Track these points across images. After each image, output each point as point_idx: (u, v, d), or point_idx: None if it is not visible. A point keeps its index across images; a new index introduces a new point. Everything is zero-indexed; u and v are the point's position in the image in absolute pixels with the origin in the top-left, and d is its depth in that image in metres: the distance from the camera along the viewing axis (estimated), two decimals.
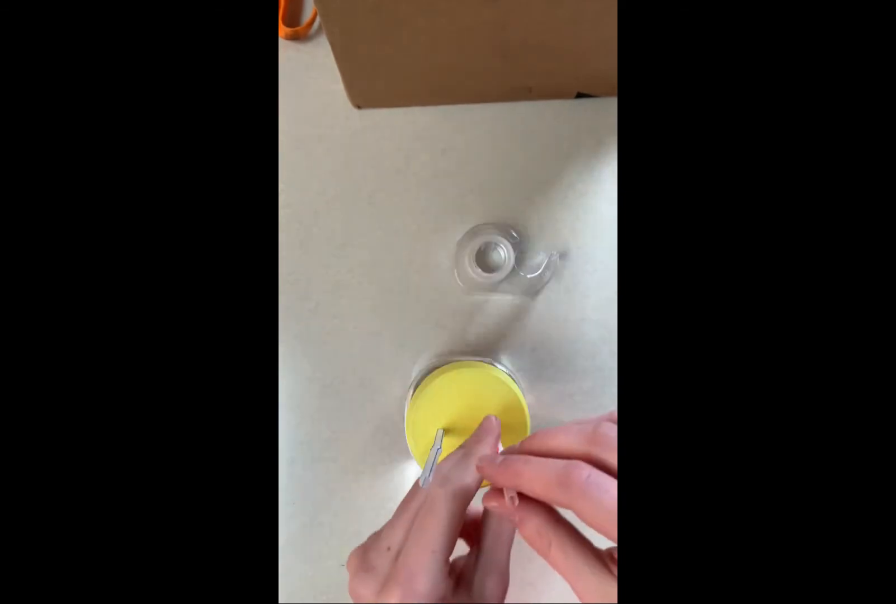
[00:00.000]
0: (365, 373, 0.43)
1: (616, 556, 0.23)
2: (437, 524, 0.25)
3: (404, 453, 0.44)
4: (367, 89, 0.40)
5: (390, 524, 0.27)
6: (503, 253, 0.41)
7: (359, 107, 0.42)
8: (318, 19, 0.42)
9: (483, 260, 0.42)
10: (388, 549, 0.26)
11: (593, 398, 0.44)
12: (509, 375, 0.39)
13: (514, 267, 0.41)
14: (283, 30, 0.41)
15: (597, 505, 0.21)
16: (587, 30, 0.33)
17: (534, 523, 0.23)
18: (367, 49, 0.34)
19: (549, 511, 0.23)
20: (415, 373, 0.43)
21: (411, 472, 0.45)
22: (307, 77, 0.42)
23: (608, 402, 0.44)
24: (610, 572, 0.22)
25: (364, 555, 0.26)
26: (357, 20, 0.30)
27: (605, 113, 0.43)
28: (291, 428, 0.43)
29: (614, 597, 0.21)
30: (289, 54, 0.42)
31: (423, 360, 0.44)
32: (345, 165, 0.43)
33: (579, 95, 0.42)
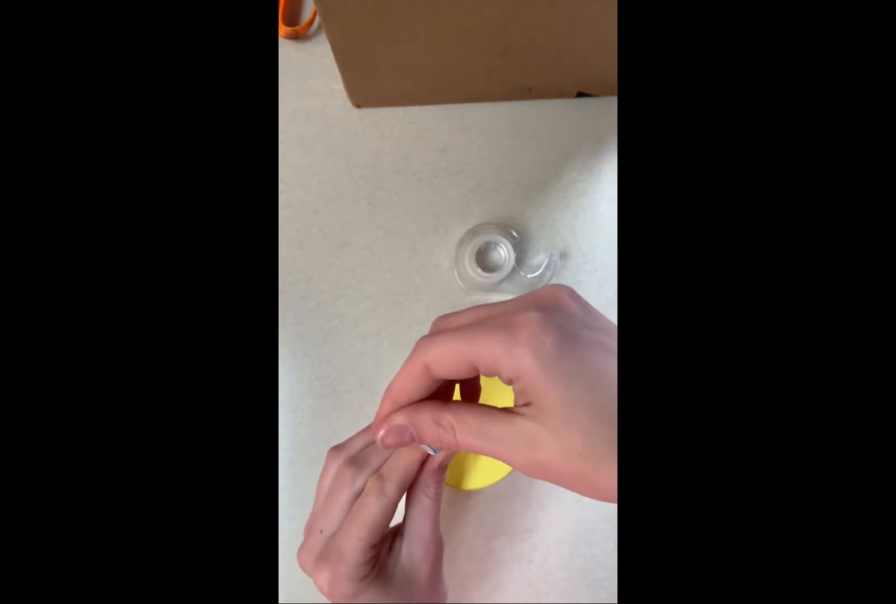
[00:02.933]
0: (365, 373, 0.43)
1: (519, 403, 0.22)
2: (367, 517, 0.27)
3: None
4: (367, 89, 0.40)
5: (322, 510, 0.29)
6: (503, 253, 0.41)
7: (359, 107, 0.42)
8: (318, 19, 0.42)
9: (483, 260, 0.42)
10: (321, 531, 0.28)
11: None
12: None
13: (514, 267, 0.40)
14: (283, 29, 0.41)
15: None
16: (587, 30, 0.33)
17: (422, 420, 0.23)
18: (367, 49, 0.34)
19: (432, 404, 0.23)
20: None
21: None
22: (307, 77, 0.42)
23: None
24: (529, 420, 0.21)
25: (306, 532, 0.30)
26: (357, 20, 0.30)
27: (605, 113, 0.43)
28: (291, 428, 0.43)
29: (548, 442, 0.21)
30: (289, 54, 0.42)
31: None
32: (345, 165, 0.43)
33: (579, 95, 0.42)
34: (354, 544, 0.27)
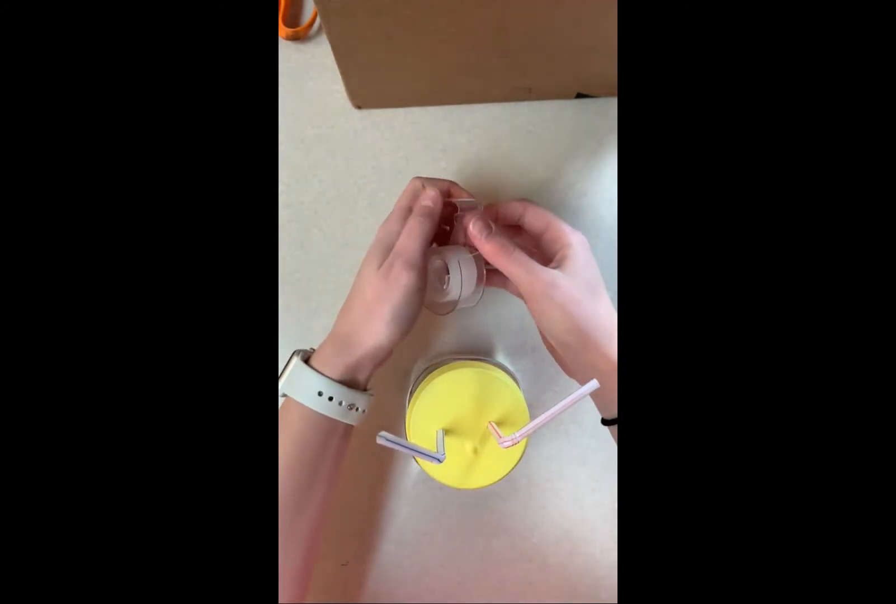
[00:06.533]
0: None
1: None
2: (417, 223, 0.33)
3: (404, 453, 0.44)
4: (367, 89, 0.40)
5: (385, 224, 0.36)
6: (457, 275, 0.35)
7: (359, 107, 0.42)
8: (318, 19, 0.42)
9: (440, 279, 0.37)
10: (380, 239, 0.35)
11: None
12: (509, 375, 0.40)
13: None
14: (283, 30, 0.41)
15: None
16: (587, 30, 0.33)
17: (498, 240, 0.33)
18: (367, 49, 0.34)
19: (504, 239, 0.34)
20: (415, 373, 0.43)
21: (411, 471, 0.45)
22: (307, 77, 0.42)
23: None
24: (545, 267, 0.33)
25: (371, 250, 0.35)
26: (357, 20, 0.30)
27: (605, 113, 0.43)
28: None
29: (556, 275, 0.32)
30: (289, 54, 0.42)
31: (423, 360, 0.44)
32: (345, 165, 0.43)
33: (579, 95, 0.42)
34: (415, 240, 0.33)
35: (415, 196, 0.35)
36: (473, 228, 0.33)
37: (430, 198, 0.34)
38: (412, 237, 0.33)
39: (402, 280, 0.32)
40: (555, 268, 0.33)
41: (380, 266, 0.33)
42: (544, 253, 0.36)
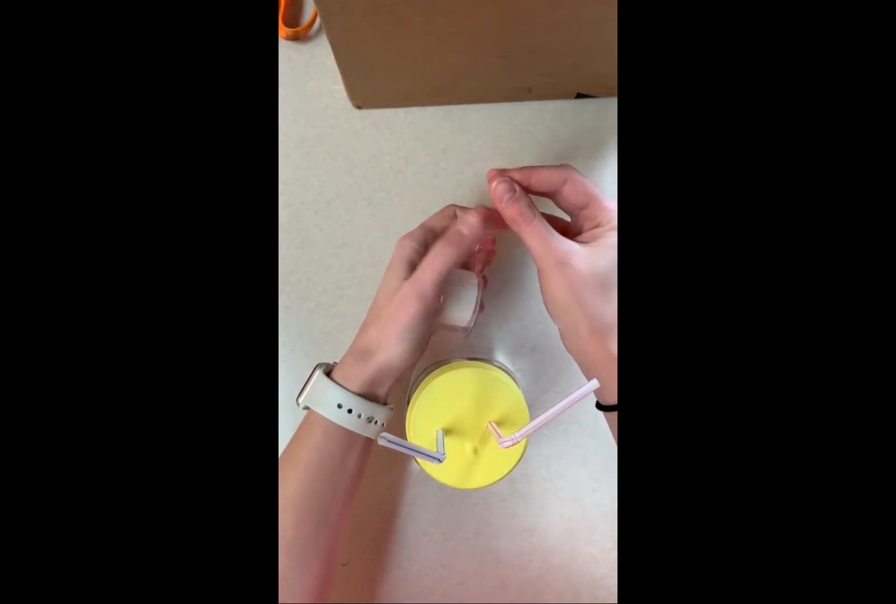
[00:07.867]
0: None
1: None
2: (442, 253, 0.33)
3: (404, 453, 0.44)
4: (367, 89, 0.40)
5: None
6: (450, 299, 0.36)
7: (359, 107, 0.42)
8: (318, 19, 0.42)
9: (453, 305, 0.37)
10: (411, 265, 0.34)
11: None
12: (509, 375, 0.39)
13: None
14: (283, 30, 0.41)
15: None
16: (587, 30, 0.33)
17: (518, 206, 0.32)
18: (367, 49, 0.34)
19: (529, 200, 0.33)
20: (415, 373, 0.43)
21: (412, 471, 0.45)
22: (307, 77, 0.42)
23: None
24: (568, 239, 0.32)
25: (390, 266, 0.34)
26: (357, 20, 0.30)
27: (605, 113, 0.43)
28: (292, 428, 0.43)
29: (572, 252, 0.31)
30: (289, 54, 0.42)
31: (423, 360, 0.44)
32: (345, 164, 0.43)
33: (579, 96, 0.42)
34: (434, 271, 0.32)
35: (445, 220, 0.34)
36: (496, 190, 0.32)
37: (467, 225, 0.33)
38: (432, 268, 0.32)
39: (408, 307, 0.32)
40: (581, 243, 0.31)
41: (395, 281, 0.33)
42: (578, 225, 0.34)
